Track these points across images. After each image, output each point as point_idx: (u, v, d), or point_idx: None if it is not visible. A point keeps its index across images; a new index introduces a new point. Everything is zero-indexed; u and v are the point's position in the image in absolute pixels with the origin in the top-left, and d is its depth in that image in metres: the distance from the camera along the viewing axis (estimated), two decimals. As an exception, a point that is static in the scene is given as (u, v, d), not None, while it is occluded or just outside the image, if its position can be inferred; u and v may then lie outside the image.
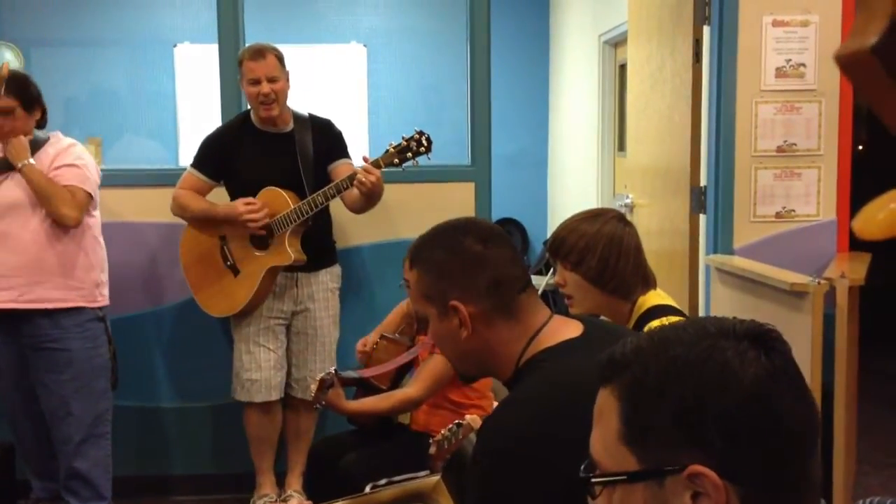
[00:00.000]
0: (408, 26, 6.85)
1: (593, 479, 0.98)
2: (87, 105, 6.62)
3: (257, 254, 3.43)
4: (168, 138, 6.49)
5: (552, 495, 1.41)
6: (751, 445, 0.92)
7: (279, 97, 3.43)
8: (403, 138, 3.28)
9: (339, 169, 3.43)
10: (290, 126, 3.52)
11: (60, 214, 3.09)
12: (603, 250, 2.20)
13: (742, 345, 0.95)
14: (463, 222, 1.67)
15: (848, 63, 0.78)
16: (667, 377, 0.95)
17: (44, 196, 3.08)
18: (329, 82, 6.23)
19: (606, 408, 0.99)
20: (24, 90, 3.21)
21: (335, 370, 2.93)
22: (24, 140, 3.13)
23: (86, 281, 3.19)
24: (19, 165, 3.09)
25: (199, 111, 5.96)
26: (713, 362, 0.94)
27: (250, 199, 3.39)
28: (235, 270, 3.49)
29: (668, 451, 0.94)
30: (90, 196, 3.18)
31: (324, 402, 2.89)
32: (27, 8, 6.32)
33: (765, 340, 0.96)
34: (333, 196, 3.33)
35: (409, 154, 3.27)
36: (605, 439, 0.98)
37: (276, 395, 3.54)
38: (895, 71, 0.75)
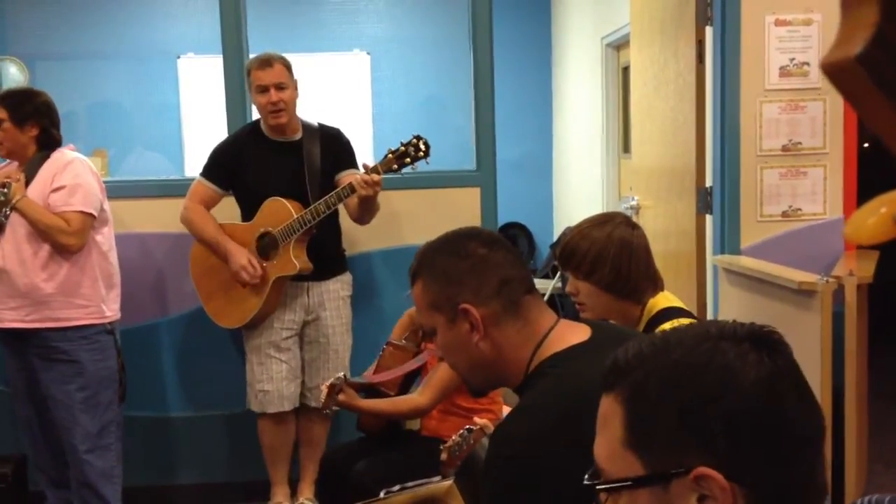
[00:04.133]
0: (411, 33, 6.87)
1: (598, 487, 0.99)
2: (92, 118, 6.65)
3: (263, 265, 3.44)
4: (173, 149, 6.52)
5: (564, 501, 1.41)
6: (755, 446, 0.92)
7: (288, 105, 3.44)
8: (402, 144, 3.28)
9: (345, 178, 3.43)
10: (299, 135, 3.53)
11: (60, 245, 3.12)
12: (614, 257, 2.19)
13: (742, 347, 0.95)
14: (465, 230, 1.69)
15: (834, 72, 0.78)
16: (669, 381, 0.95)
17: (40, 230, 3.10)
18: (333, 90, 6.25)
19: (610, 414, 0.99)
20: (15, 105, 3.22)
21: (344, 375, 2.94)
22: (18, 177, 3.16)
23: (92, 298, 3.20)
24: (14, 201, 3.11)
25: (203, 122, 5.99)
26: (715, 364, 0.94)
27: (254, 263, 3.41)
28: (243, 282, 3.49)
29: (674, 454, 0.94)
30: (91, 216, 3.17)
31: (334, 408, 2.90)
32: (32, 22, 6.36)
33: (766, 342, 0.97)
34: (335, 204, 3.34)
35: (408, 159, 3.27)
36: (609, 445, 0.99)
37: (288, 406, 3.54)
38: (881, 80, 0.76)
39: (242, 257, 3.42)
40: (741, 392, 0.93)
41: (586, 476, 1.01)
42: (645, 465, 0.95)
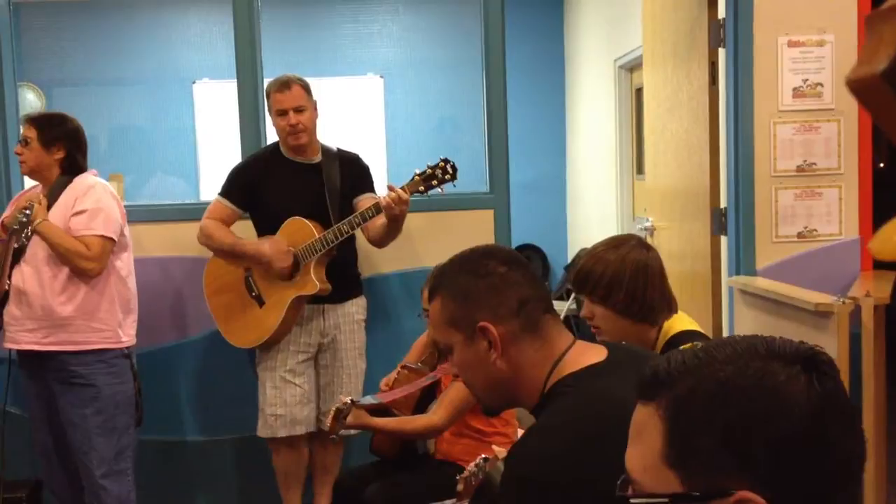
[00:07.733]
0: (424, 57, 6.90)
1: (632, 500, 0.96)
2: (108, 143, 6.69)
3: (282, 284, 3.44)
4: (189, 173, 6.55)
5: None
6: (800, 473, 0.90)
7: (307, 126, 3.46)
8: (429, 166, 3.29)
9: (364, 202, 3.44)
10: (318, 157, 3.55)
11: (79, 269, 3.14)
12: (629, 281, 2.17)
13: (793, 369, 0.92)
14: (484, 248, 1.68)
15: (859, 88, 0.78)
16: (716, 399, 0.92)
17: (59, 254, 3.12)
18: (346, 114, 6.27)
19: (649, 426, 0.96)
20: (44, 126, 3.28)
21: (351, 399, 2.93)
22: (41, 200, 3.19)
23: (109, 322, 3.21)
24: (35, 224, 3.14)
25: (218, 146, 6.02)
26: (764, 387, 0.91)
27: (276, 240, 3.41)
28: (261, 301, 3.50)
29: (714, 475, 0.91)
30: (111, 240, 3.19)
31: (340, 433, 2.88)
32: (49, 49, 6.42)
33: (816, 364, 0.94)
34: (359, 225, 3.34)
35: (435, 182, 3.29)
36: (645, 458, 0.96)
37: (300, 430, 3.51)
38: None
39: (264, 245, 3.42)
40: (789, 417, 0.90)
41: (619, 483, 0.98)
42: (683, 482, 0.93)
